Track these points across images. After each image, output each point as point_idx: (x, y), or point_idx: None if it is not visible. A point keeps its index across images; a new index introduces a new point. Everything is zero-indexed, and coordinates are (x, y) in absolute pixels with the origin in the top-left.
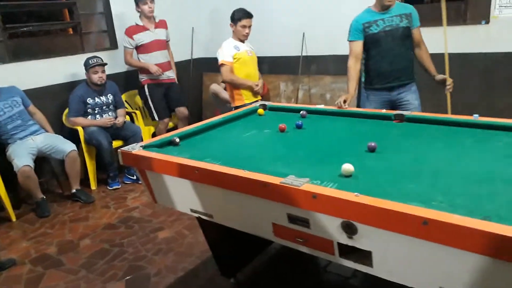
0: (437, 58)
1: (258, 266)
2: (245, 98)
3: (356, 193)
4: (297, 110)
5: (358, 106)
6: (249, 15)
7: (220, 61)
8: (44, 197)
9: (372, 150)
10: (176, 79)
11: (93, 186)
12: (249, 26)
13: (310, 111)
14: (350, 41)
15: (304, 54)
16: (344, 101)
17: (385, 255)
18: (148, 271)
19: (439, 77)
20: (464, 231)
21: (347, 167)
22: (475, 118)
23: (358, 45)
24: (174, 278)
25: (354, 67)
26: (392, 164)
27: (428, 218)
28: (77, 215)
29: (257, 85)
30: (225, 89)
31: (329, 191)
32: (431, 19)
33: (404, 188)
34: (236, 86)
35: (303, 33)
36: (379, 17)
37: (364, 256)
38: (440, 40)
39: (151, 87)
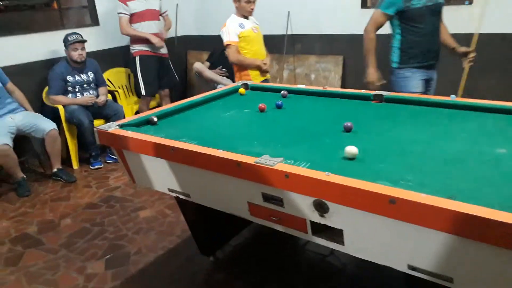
0: None
1: (237, 245)
2: (252, 78)
3: (327, 172)
4: (278, 90)
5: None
6: None
7: (225, 41)
8: (25, 176)
9: (348, 130)
10: (167, 54)
11: (75, 165)
12: (254, 1)
13: (291, 91)
14: (382, 11)
15: (289, 33)
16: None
17: (356, 233)
18: (128, 250)
19: (462, 49)
20: (430, 209)
21: (351, 149)
22: (452, 98)
23: (387, 18)
24: (154, 257)
25: (376, 39)
26: (366, 144)
27: (395, 197)
28: (58, 194)
29: (265, 64)
30: (209, 67)
31: (301, 170)
32: None
33: (375, 167)
34: (244, 66)
35: (288, 12)
36: None
37: (336, 234)
38: None
39: (143, 59)
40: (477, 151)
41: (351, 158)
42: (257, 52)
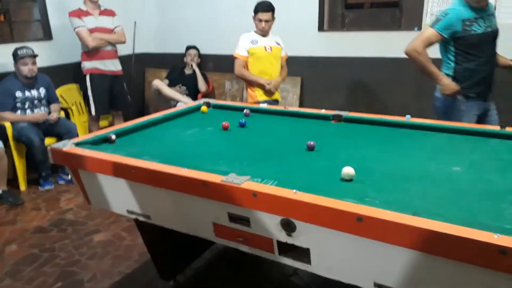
0: (373, 61)
1: (198, 268)
2: (258, 95)
3: (294, 190)
4: (241, 109)
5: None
6: (264, 8)
7: (234, 53)
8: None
9: (311, 148)
10: (122, 71)
11: (23, 186)
12: (266, 21)
13: (253, 110)
14: (437, 31)
15: None
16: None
17: (323, 252)
18: (81, 277)
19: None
20: (396, 226)
21: (348, 170)
22: (408, 118)
23: (438, 39)
24: (110, 283)
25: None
26: (329, 162)
27: (362, 214)
28: (3, 218)
29: (268, 84)
30: (168, 85)
31: (269, 188)
32: (370, 24)
33: (340, 185)
34: (249, 82)
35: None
36: (479, 14)
37: (303, 254)
38: (376, 44)
39: (94, 78)
40: (434, 169)
41: (349, 180)
42: (263, 71)
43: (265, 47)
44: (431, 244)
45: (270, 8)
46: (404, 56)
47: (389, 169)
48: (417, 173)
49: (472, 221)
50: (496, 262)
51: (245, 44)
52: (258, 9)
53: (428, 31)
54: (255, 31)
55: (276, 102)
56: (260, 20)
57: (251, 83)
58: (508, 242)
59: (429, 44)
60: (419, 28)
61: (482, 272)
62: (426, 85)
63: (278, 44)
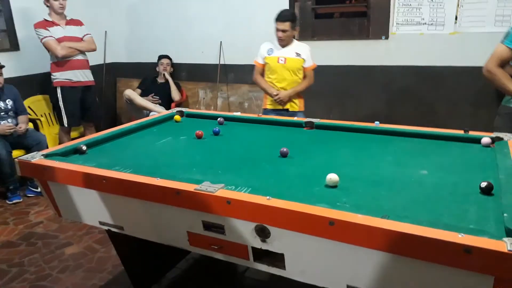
0: (343, 69)
1: (174, 277)
2: (267, 103)
3: (268, 197)
4: (214, 117)
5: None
6: (280, 18)
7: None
8: None
9: (284, 155)
10: (93, 82)
11: None
12: (283, 30)
13: (227, 118)
14: (507, 46)
15: (222, 62)
16: None
17: (296, 257)
18: None
19: None
20: (366, 229)
21: (332, 177)
22: (376, 125)
23: (510, 55)
24: None
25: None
26: (302, 168)
27: (334, 218)
28: None
29: (276, 95)
30: (140, 95)
31: (243, 196)
32: (340, 33)
33: (312, 190)
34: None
35: (220, 42)
36: None
37: (277, 259)
38: (346, 52)
39: (65, 90)
40: (401, 172)
41: (333, 186)
42: (274, 82)
43: (278, 58)
44: (400, 246)
45: (286, 18)
46: (373, 63)
47: (359, 174)
48: (386, 177)
49: (438, 222)
50: (461, 260)
51: (262, 53)
52: (276, 18)
53: (499, 47)
54: (276, 40)
55: (286, 111)
56: (278, 30)
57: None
58: (472, 241)
59: (502, 61)
60: (386, 37)
61: (448, 271)
62: (394, 92)
63: (298, 55)
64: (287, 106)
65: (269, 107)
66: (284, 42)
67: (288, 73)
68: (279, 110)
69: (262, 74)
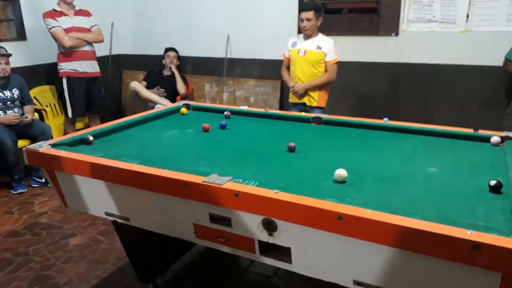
0: (351, 65)
1: (178, 270)
2: (290, 97)
3: (276, 190)
4: (221, 111)
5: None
6: (305, 7)
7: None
8: None
9: (292, 150)
10: (100, 73)
11: None
12: (307, 19)
13: (234, 112)
14: None
15: (228, 56)
16: None
17: (303, 251)
18: (57, 281)
19: None
20: (375, 224)
21: (341, 172)
22: (385, 121)
23: None
24: (87, 287)
25: None
26: (310, 163)
27: (342, 213)
28: None
29: (292, 87)
30: (146, 87)
31: (251, 188)
32: (349, 29)
33: (321, 185)
34: None
35: (228, 36)
36: None
37: (284, 253)
38: (355, 48)
39: (71, 81)
40: (410, 169)
41: (341, 181)
42: (293, 74)
43: (298, 50)
44: (408, 241)
45: (311, 7)
46: (382, 60)
47: (368, 170)
48: (395, 174)
49: (447, 219)
50: (469, 257)
51: (288, 46)
52: (300, 8)
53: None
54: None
55: (303, 105)
56: (302, 20)
57: None
58: (480, 237)
59: None
60: (396, 34)
61: (456, 267)
62: (403, 90)
63: (319, 48)
64: (305, 100)
65: (290, 100)
66: (308, 32)
67: (307, 66)
68: (298, 104)
69: (289, 68)
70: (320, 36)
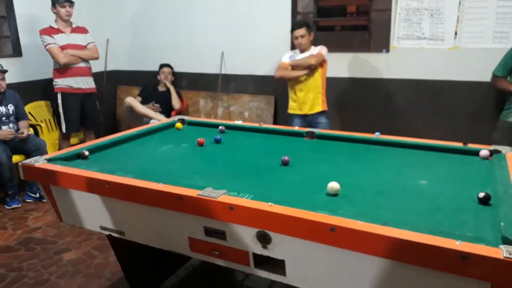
0: (344, 81)
1: (173, 285)
2: (290, 107)
3: (270, 203)
4: (215, 126)
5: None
6: (296, 26)
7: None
8: None
9: (285, 164)
10: (95, 89)
11: None
12: (301, 36)
13: (228, 127)
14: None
15: (223, 72)
16: None
17: (297, 263)
18: None
19: None
20: (367, 236)
21: (334, 185)
22: (377, 136)
23: None
24: None
25: None
26: (303, 176)
27: (335, 225)
28: None
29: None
30: (140, 102)
31: (245, 201)
32: (341, 46)
33: (314, 198)
34: (288, 79)
35: (222, 52)
36: None
37: (278, 265)
38: (347, 64)
39: (65, 96)
40: (402, 182)
41: (334, 194)
42: (292, 85)
43: None
44: (399, 252)
45: (301, 24)
46: (374, 76)
47: (360, 183)
48: (386, 187)
49: (437, 230)
50: (458, 267)
51: (286, 59)
52: (292, 27)
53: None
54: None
55: (304, 117)
56: (296, 37)
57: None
58: (469, 248)
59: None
60: (387, 51)
61: (446, 277)
62: (394, 105)
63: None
64: (307, 110)
65: (291, 111)
66: (304, 46)
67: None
68: (300, 115)
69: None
70: (313, 48)
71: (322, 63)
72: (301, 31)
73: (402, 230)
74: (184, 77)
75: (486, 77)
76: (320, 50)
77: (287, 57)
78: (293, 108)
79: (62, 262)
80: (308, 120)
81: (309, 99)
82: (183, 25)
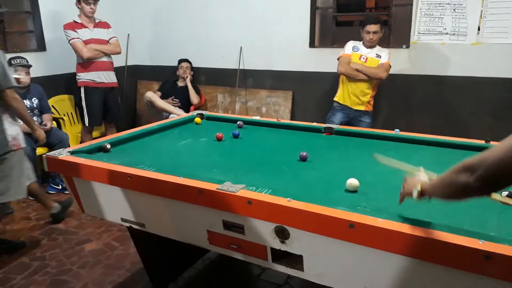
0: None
1: (191, 277)
2: (337, 96)
3: (288, 198)
4: (234, 120)
5: None
6: (372, 21)
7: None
8: None
9: (303, 159)
10: (117, 84)
11: None
12: (374, 32)
13: (246, 122)
14: None
15: (241, 67)
16: None
17: (315, 258)
18: (73, 285)
19: None
20: (386, 233)
21: (353, 181)
22: (396, 132)
23: None
24: None
25: None
26: (321, 172)
27: (354, 221)
28: None
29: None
30: (160, 97)
31: (264, 196)
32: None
33: (332, 194)
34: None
35: (241, 47)
36: None
37: (296, 261)
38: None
39: (88, 91)
40: None
41: (353, 191)
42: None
43: (360, 56)
44: (420, 250)
45: (377, 21)
46: (393, 72)
47: (378, 179)
48: None
49: (459, 229)
50: (481, 266)
51: (349, 49)
52: (366, 21)
53: None
54: (363, 42)
55: (350, 110)
56: (368, 32)
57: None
58: (492, 247)
59: None
60: (407, 46)
61: (468, 277)
62: (414, 101)
63: (378, 56)
64: (349, 103)
65: (336, 99)
66: (373, 43)
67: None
68: (345, 107)
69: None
70: (378, 47)
71: None
72: (375, 27)
73: (422, 228)
74: (203, 72)
75: (510, 73)
76: (388, 59)
77: (350, 48)
78: (338, 97)
79: (83, 253)
80: (351, 115)
81: (357, 95)
82: (202, 21)
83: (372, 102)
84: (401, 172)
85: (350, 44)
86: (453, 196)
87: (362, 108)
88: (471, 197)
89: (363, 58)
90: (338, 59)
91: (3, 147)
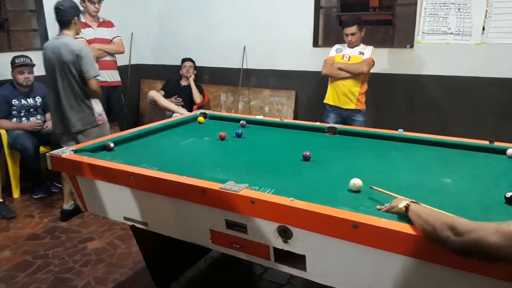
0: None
1: (193, 276)
2: (327, 98)
3: (291, 198)
4: (237, 120)
5: None
6: (347, 24)
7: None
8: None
9: (307, 159)
10: (120, 82)
11: (16, 194)
12: (352, 34)
13: (249, 121)
14: None
15: (244, 67)
16: None
17: (318, 258)
18: (76, 284)
19: None
20: (389, 233)
21: (356, 181)
22: (400, 132)
23: None
24: None
25: None
26: (325, 172)
27: (357, 221)
28: None
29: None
30: (164, 96)
31: (267, 196)
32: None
33: (335, 194)
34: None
35: (244, 47)
36: None
37: (298, 260)
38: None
39: None
40: (425, 180)
41: (356, 191)
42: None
43: (343, 55)
44: (423, 250)
45: (353, 22)
46: (397, 72)
47: (382, 180)
48: (409, 184)
49: None
50: (485, 268)
51: (333, 51)
52: (343, 24)
53: None
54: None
55: (342, 110)
56: (346, 35)
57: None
58: None
59: None
60: (411, 46)
61: (473, 278)
62: (417, 101)
63: (361, 53)
64: (339, 103)
65: (327, 101)
66: (353, 44)
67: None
68: (337, 108)
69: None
70: (362, 45)
71: None
72: (352, 29)
73: None
74: (206, 71)
75: None
76: (371, 54)
77: (334, 50)
78: (328, 98)
79: (86, 251)
80: (343, 115)
81: (345, 93)
82: (206, 20)
83: (363, 100)
84: (404, 173)
85: (335, 47)
86: (428, 237)
87: (352, 106)
88: (443, 247)
89: (346, 57)
90: (324, 61)
91: (92, 122)
